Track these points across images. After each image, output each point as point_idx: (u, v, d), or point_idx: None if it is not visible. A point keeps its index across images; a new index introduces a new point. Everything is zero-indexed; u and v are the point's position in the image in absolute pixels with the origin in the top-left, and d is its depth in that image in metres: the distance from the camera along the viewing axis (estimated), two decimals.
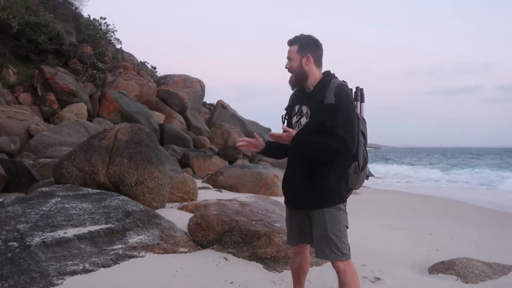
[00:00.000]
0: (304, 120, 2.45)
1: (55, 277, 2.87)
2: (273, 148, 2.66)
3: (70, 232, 3.39)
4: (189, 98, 18.70)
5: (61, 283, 2.84)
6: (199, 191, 6.51)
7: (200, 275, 3.27)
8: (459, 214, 8.13)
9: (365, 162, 2.53)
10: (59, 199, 3.90)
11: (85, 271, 3.04)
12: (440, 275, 3.85)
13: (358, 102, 2.67)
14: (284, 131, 2.45)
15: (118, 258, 3.29)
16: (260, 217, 4.11)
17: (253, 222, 3.99)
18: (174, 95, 17.71)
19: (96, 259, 3.19)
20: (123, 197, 4.27)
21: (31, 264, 2.92)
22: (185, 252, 3.73)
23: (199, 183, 7.94)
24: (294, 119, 2.52)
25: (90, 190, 4.31)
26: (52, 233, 3.32)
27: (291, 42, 2.50)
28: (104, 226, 3.59)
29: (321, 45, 2.51)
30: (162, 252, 3.59)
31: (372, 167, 25.06)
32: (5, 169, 6.05)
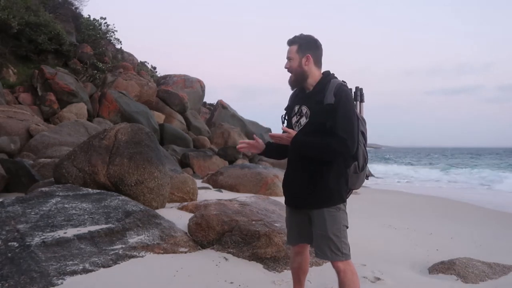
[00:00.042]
0: (304, 120, 2.45)
1: (55, 277, 2.87)
2: (273, 149, 2.67)
3: (70, 232, 3.39)
4: (189, 98, 18.70)
5: (61, 283, 2.84)
6: (199, 191, 6.51)
7: (200, 275, 3.27)
8: (459, 214, 8.13)
9: (365, 162, 2.53)
10: (59, 199, 3.90)
11: (85, 271, 3.04)
12: (440, 275, 3.85)
13: (358, 102, 2.67)
14: (284, 131, 2.46)
15: (118, 258, 3.29)
16: (260, 217, 4.11)
17: (253, 222, 3.99)
18: (174, 95, 17.71)
19: (96, 259, 3.19)
20: (123, 197, 4.27)
21: (31, 264, 2.92)
22: (185, 252, 3.73)
23: (199, 183, 7.94)
24: (294, 119, 2.52)
25: (90, 190, 4.31)
26: (52, 233, 3.32)
27: (290, 42, 2.50)
28: (104, 226, 3.59)
29: (320, 45, 2.51)
30: (162, 252, 3.59)
31: (372, 167, 25.06)
32: (5, 169, 6.05)
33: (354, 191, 2.73)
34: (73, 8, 19.62)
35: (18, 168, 6.14)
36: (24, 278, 2.78)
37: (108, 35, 20.37)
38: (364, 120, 2.58)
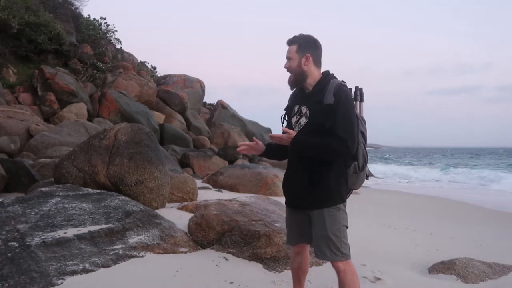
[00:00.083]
0: (303, 121, 2.45)
1: (55, 277, 2.87)
2: (273, 150, 2.67)
3: (70, 232, 3.39)
4: (189, 98, 18.70)
5: (61, 283, 2.84)
6: (199, 191, 6.51)
7: (200, 275, 3.27)
8: (459, 214, 8.13)
9: (365, 162, 2.53)
10: (59, 199, 3.90)
11: (85, 271, 3.04)
12: (440, 275, 3.85)
13: (358, 102, 2.67)
14: (284, 132, 2.46)
15: (118, 258, 3.29)
16: (260, 217, 4.11)
17: (253, 222, 3.99)
18: (174, 95, 17.71)
19: (96, 259, 3.19)
20: (123, 197, 4.27)
21: (31, 264, 2.92)
22: (185, 252, 3.73)
23: (199, 183, 7.94)
24: (294, 120, 2.52)
25: (90, 190, 4.31)
26: (52, 233, 3.32)
27: (290, 42, 2.49)
28: (104, 226, 3.59)
29: (320, 45, 2.51)
30: (162, 252, 3.59)
31: (372, 167, 25.06)
32: (5, 169, 6.05)
33: (354, 191, 2.73)
34: (73, 8, 19.62)
35: (18, 168, 6.14)
36: (24, 278, 2.78)
37: (108, 35, 20.37)
38: (364, 120, 2.58)
